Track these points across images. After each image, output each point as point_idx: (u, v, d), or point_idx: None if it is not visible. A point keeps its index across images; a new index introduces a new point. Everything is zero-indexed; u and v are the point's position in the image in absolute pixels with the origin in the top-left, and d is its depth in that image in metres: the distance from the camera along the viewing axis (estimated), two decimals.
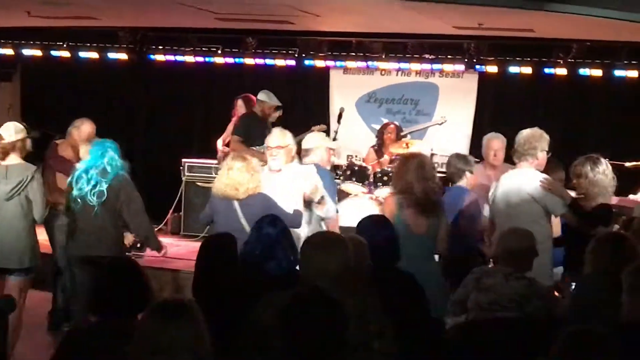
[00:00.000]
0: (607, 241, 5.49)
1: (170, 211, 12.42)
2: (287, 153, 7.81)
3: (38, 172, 7.89)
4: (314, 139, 8.48)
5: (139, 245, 9.98)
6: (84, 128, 9.00)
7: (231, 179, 7.25)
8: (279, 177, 7.71)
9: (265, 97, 11.22)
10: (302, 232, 7.34)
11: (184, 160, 12.73)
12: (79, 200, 7.73)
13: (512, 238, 5.82)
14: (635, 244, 5.41)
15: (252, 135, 10.59)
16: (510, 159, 8.83)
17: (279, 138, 7.85)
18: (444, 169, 12.31)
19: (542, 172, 7.33)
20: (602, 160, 7.41)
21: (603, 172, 7.32)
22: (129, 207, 7.80)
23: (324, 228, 7.76)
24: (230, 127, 12.20)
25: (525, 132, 7.33)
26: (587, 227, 6.92)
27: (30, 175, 7.73)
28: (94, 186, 7.66)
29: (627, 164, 10.47)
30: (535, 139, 7.25)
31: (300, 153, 8.35)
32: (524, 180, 7.18)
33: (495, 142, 9.02)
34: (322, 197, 7.68)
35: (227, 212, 7.28)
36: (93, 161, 7.78)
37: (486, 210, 7.61)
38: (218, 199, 7.37)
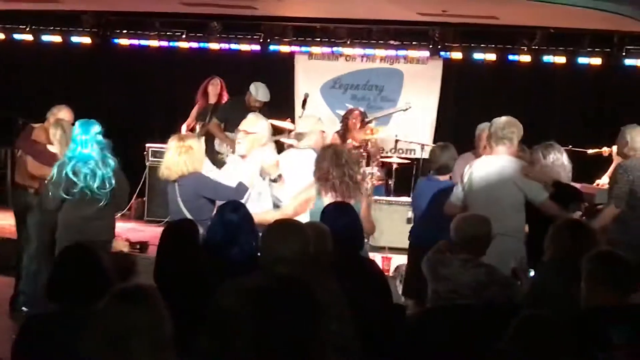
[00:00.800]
0: (565, 228, 5.51)
1: (134, 196, 12.35)
2: (254, 140, 7.77)
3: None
4: (307, 123, 8.38)
5: (137, 246, 10.04)
6: (61, 115, 8.93)
7: (166, 160, 7.33)
8: (242, 164, 7.69)
9: (252, 90, 11.19)
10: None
11: (147, 145, 12.67)
12: (86, 191, 7.51)
13: (469, 224, 5.79)
14: (594, 230, 5.44)
15: (231, 121, 10.56)
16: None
17: (247, 123, 7.83)
18: (408, 155, 12.53)
19: None
20: (556, 146, 7.43)
21: (556, 159, 7.35)
22: (121, 188, 7.79)
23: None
24: (194, 112, 12.19)
25: (503, 118, 7.20)
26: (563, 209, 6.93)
27: None
28: (102, 180, 7.52)
29: (590, 151, 10.56)
30: (514, 125, 7.16)
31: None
32: (505, 166, 7.06)
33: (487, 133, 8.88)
34: (280, 176, 7.57)
35: (170, 193, 7.35)
36: (89, 151, 7.54)
37: (454, 195, 7.46)
38: (164, 180, 7.44)
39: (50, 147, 8.51)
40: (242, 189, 7.30)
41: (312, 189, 7.12)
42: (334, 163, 6.97)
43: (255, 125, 7.80)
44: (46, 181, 7.75)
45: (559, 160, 7.35)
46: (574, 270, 4.72)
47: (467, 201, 7.23)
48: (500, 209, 6.78)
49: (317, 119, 8.53)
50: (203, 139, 10.93)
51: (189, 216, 6.97)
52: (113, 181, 7.57)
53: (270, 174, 7.55)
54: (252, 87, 11.23)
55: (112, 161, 7.63)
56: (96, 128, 7.64)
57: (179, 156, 7.24)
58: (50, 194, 7.60)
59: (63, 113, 8.94)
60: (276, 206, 7.62)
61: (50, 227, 8.04)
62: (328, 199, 6.91)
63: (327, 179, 6.96)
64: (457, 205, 7.25)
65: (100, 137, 7.62)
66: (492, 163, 7.15)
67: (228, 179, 7.53)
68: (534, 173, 7.12)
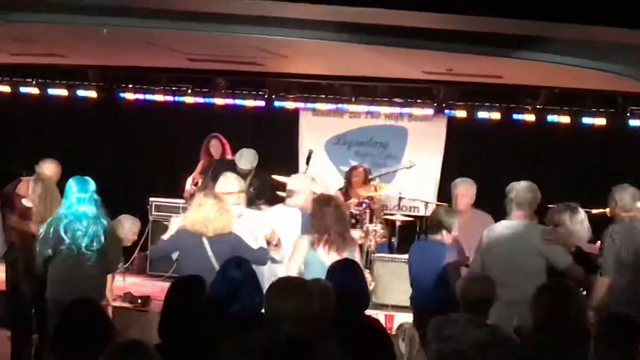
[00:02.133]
0: (547, 292, 5.41)
1: (137, 250, 12.30)
2: (243, 197, 7.84)
3: None
4: (300, 182, 8.41)
5: (139, 301, 10.03)
6: (44, 169, 8.91)
7: (201, 215, 7.25)
8: (241, 221, 7.70)
9: (236, 157, 11.14)
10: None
11: (151, 199, 12.65)
12: (73, 248, 7.48)
13: (476, 286, 5.76)
14: (578, 293, 5.36)
15: None
16: (480, 204, 8.89)
17: (238, 183, 7.86)
18: (412, 213, 12.51)
19: None
20: (580, 209, 7.42)
21: (581, 221, 7.33)
22: (112, 248, 7.75)
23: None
24: (199, 167, 12.20)
25: (522, 183, 7.19)
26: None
27: None
28: (91, 238, 7.49)
29: (594, 211, 10.51)
30: (535, 190, 7.16)
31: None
32: (526, 232, 7.01)
33: (460, 188, 8.95)
34: (279, 240, 7.69)
35: (195, 248, 7.26)
36: (85, 209, 7.54)
37: (473, 263, 7.37)
38: (186, 234, 7.35)
39: (24, 202, 8.51)
40: (265, 253, 7.44)
41: (302, 243, 7.28)
42: (335, 219, 7.20)
43: (238, 183, 7.93)
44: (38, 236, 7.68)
45: (584, 221, 7.33)
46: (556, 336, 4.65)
47: (486, 266, 7.12)
48: (521, 275, 6.76)
49: (310, 179, 8.58)
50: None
51: None
52: (102, 240, 7.52)
53: (272, 241, 7.73)
54: (237, 155, 11.19)
55: (104, 220, 7.61)
56: (92, 186, 7.65)
57: (220, 215, 7.24)
58: (38, 249, 7.58)
59: (46, 167, 8.92)
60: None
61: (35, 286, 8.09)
62: (321, 250, 7.13)
63: (327, 233, 7.16)
64: (476, 270, 7.15)
65: (96, 196, 7.63)
66: (512, 228, 7.10)
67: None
68: (557, 237, 7.07)
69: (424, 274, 7.77)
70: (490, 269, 7.00)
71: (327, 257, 7.16)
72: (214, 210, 7.23)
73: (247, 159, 10.83)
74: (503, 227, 7.20)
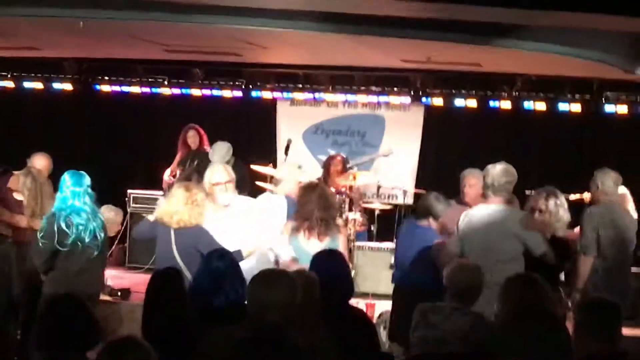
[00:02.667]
0: (517, 282, 5.45)
1: (115, 242, 12.28)
2: (232, 186, 7.84)
3: None
4: (287, 170, 8.45)
5: (119, 293, 9.94)
6: (35, 163, 8.90)
7: (169, 206, 7.34)
8: (229, 210, 7.70)
9: (210, 153, 11.11)
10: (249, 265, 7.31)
11: (129, 191, 12.63)
12: (78, 242, 7.45)
13: (464, 274, 5.79)
14: (545, 285, 5.40)
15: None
16: (458, 192, 8.91)
17: (224, 173, 7.85)
18: (391, 201, 12.54)
19: None
20: (560, 193, 7.46)
21: (561, 205, 7.37)
22: (106, 244, 7.81)
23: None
24: (177, 159, 12.18)
25: (498, 167, 7.19)
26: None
27: None
28: (93, 233, 7.49)
29: (571, 197, 10.58)
30: (511, 174, 7.17)
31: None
32: (504, 216, 7.05)
33: (469, 178, 8.87)
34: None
35: (163, 238, 7.35)
36: (80, 204, 7.50)
37: (450, 243, 7.42)
38: (158, 224, 7.43)
39: (15, 195, 8.46)
40: (237, 256, 7.27)
41: (286, 228, 7.41)
42: (319, 206, 7.26)
43: (229, 173, 7.88)
44: (38, 233, 7.60)
45: (563, 204, 7.38)
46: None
47: (464, 250, 7.18)
48: (498, 259, 6.79)
49: (297, 167, 8.61)
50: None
51: (182, 265, 7.04)
52: (103, 234, 7.56)
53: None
54: (210, 149, 11.21)
55: (101, 215, 7.62)
56: (87, 180, 7.63)
57: (184, 206, 7.29)
58: (40, 245, 7.49)
59: (37, 161, 8.91)
60: None
61: (26, 280, 8.06)
62: (302, 236, 7.25)
63: (309, 219, 7.25)
64: (454, 252, 7.22)
65: (91, 190, 7.62)
66: (490, 213, 7.12)
67: (227, 233, 7.55)
68: (535, 224, 7.11)
69: (411, 257, 7.84)
70: (469, 253, 7.06)
71: (307, 242, 7.27)
72: (182, 203, 7.29)
73: (218, 153, 10.83)
74: (481, 212, 7.21)
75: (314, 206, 7.25)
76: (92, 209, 7.55)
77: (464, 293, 5.63)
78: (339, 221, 7.69)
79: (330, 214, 7.34)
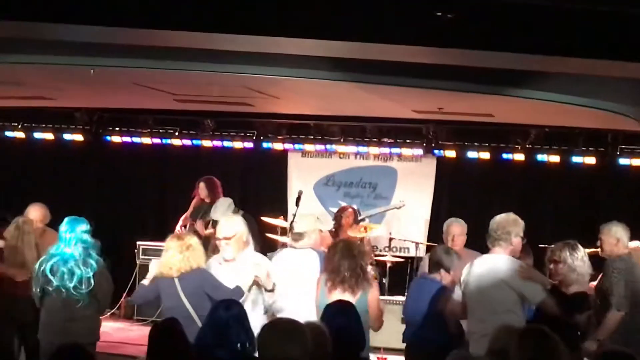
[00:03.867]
0: (529, 337, 5.33)
1: (124, 295, 12.17)
2: (237, 242, 7.65)
3: None
4: (306, 223, 8.24)
5: None
6: (30, 213, 8.90)
7: (166, 259, 7.29)
8: (232, 266, 7.58)
9: (212, 211, 11.06)
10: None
11: (138, 242, 12.56)
12: (62, 290, 7.36)
13: (505, 336, 5.65)
14: (558, 340, 5.27)
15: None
16: (471, 244, 8.84)
17: (224, 230, 7.74)
18: (402, 254, 12.41)
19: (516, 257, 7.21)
20: (580, 246, 7.34)
21: (581, 258, 7.25)
22: (102, 289, 7.58)
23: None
24: (190, 209, 12.08)
25: (498, 217, 7.15)
26: (565, 314, 6.80)
27: None
28: (80, 280, 7.37)
29: (587, 251, 10.45)
30: (510, 224, 7.07)
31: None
32: (498, 266, 6.97)
33: (454, 227, 8.97)
34: (274, 285, 7.48)
35: (168, 291, 7.25)
36: (71, 251, 7.41)
37: (457, 293, 7.40)
38: (160, 278, 7.36)
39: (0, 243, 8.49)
40: (238, 291, 7.21)
41: (320, 283, 7.24)
42: (345, 255, 7.11)
43: (232, 228, 7.71)
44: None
45: (582, 257, 7.25)
46: None
47: (464, 300, 7.17)
48: (490, 309, 6.73)
49: (315, 217, 8.47)
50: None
51: (191, 310, 6.98)
52: (92, 282, 7.39)
53: (266, 285, 7.44)
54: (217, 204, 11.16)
55: (94, 262, 7.47)
56: (83, 227, 7.54)
57: (180, 254, 7.23)
58: (33, 289, 7.51)
59: (31, 210, 8.98)
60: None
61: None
62: (336, 294, 7.00)
63: (338, 272, 7.07)
64: (459, 303, 7.19)
65: (86, 236, 7.51)
66: (487, 263, 7.09)
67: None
68: (532, 274, 7.00)
69: (419, 312, 7.70)
70: (467, 303, 7.08)
71: (341, 297, 6.99)
72: (177, 252, 7.25)
73: (220, 209, 10.77)
74: (479, 262, 7.19)
75: (339, 258, 7.11)
76: (83, 256, 7.44)
77: (500, 356, 5.49)
78: (370, 272, 7.55)
79: (358, 263, 7.13)
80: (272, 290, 7.47)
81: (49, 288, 7.36)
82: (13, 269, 8.33)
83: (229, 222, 7.93)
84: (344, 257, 7.10)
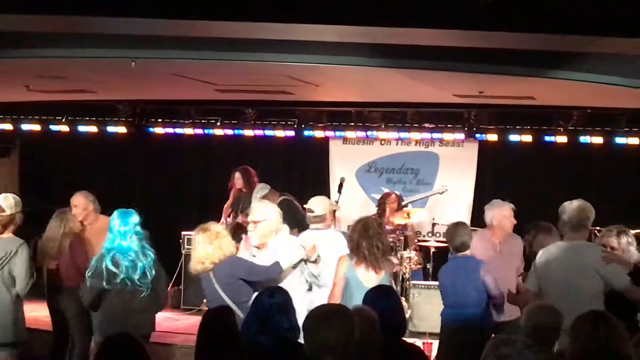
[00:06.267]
0: (588, 319, 5.30)
1: (170, 284, 12.26)
2: (264, 228, 7.66)
3: (24, 245, 7.84)
4: (324, 206, 8.28)
5: None
6: (73, 200, 9.05)
7: (197, 254, 7.35)
8: (264, 253, 7.62)
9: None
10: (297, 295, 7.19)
11: (183, 233, 12.63)
12: (127, 282, 7.44)
13: (542, 314, 5.68)
14: (619, 323, 5.23)
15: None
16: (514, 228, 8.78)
17: (253, 213, 7.81)
18: (444, 238, 12.37)
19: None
20: (629, 231, 7.28)
21: (631, 243, 7.18)
22: (160, 281, 7.70)
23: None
24: (230, 199, 12.13)
25: (575, 204, 7.01)
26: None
27: (14, 249, 7.71)
28: (142, 271, 7.46)
29: (632, 232, 10.37)
30: (587, 210, 6.98)
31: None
32: (585, 253, 6.87)
33: (509, 210, 8.77)
34: (319, 257, 7.64)
35: (206, 283, 7.32)
36: (127, 243, 7.50)
37: (528, 281, 7.29)
38: (202, 277, 7.43)
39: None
40: (275, 268, 7.32)
41: (343, 264, 7.34)
42: (362, 235, 7.30)
43: (261, 213, 7.73)
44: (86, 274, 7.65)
45: (633, 243, 7.20)
46: None
47: (542, 288, 7.01)
48: (579, 298, 6.57)
49: (329, 200, 8.61)
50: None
51: (228, 300, 6.99)
52: (153, 271, 7.51)
53: (310, 256, 7.63)
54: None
55: (151, 252, 7.58)
56: (135, 218, 7.61)
57: (210, 244, 7.27)
58: (88, 284, 7.53)
59: (75, 199, 9.12)
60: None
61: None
62: (361, 269, 7.25)
63: (358, 251, 7.27)
64: (531, 291, 7.08)
65: (138, 228, 7.59)
66: (570, 250, 6.94)
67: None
68: (616, 258, 6.92)
69: (458, 289, 7.86)
70: (547, 292, 6.92)
71: (365, 275, 7.27)
72: (207, 244, 7.29)
73: (254, 195, 10.99)
74: (560, 249, 7.02)
75: (358, 237, 7.31)
76: (140, 247, 7.51)
77: (539, 333, 5.49)
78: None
79: (374, 243, 7.30)
80: (315, 262, 7.54)
81: (115, 280, 7.41)
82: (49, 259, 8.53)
83: (260, 206, 8.01)
84: (361, 237, 7.28)
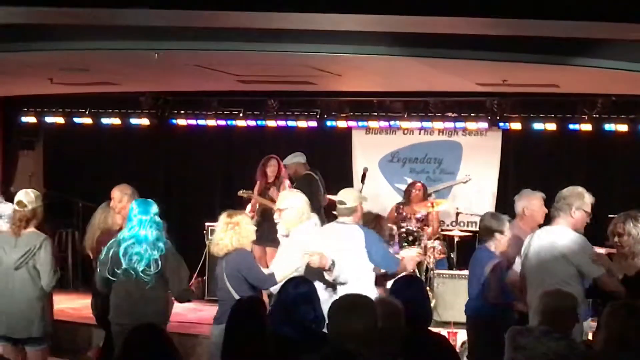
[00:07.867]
0: (621, 309, 5.29)
1: (195, 275, 12.29)
2: (289, 216, 7.58)
3: (47, 240, 7.84)
4: (354, 197, 7.97)
5: None
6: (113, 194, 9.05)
7: (215, 236, 7.38)
8: (287, 241, 7.60)
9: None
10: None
11: (207, 224, 12.64)
12: (131, 271, 7.38)
13: (552, 298, 5.67)
14: None
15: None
16: None
17: (279, 201, 7.79)
18: (470, 228, 12.36)
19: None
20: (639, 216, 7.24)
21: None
22: (178, 274, 7.57)
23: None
24: (256, 191, 11.99)
25: (566, 188, 7.17)
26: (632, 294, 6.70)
27: (39, 244, 7.71)
28: (148, 262, 7.38)
29: None
30: (572, 196, 7.06)
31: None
32: (557, 238, 6.97)
33: (539, 199, 8.67)
34: (333, 262, 7.28)
35: (217, 269, 7.34)
36: (145, 233, 7.43)
37: (518, 264, 7.46)
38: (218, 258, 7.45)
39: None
40: (270, 280, 7.22)
41: None
42: None
43: (287, 201, 7.66)
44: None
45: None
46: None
47: (523, 271, 7.22)
48: (550, 281, 6.69)
49: (359, 192, 8.56)
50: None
51: (232, 291, 7.02)
52: (159, 263, 7.39)
53: (325, 266, 7.25)
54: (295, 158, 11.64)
55: (162, 244, 7.46)
56: (155, 208, 7.59)
57: (225, 232, 7.24)
58: (98, 271, 7.61)
59: (112, 191, 8.98)
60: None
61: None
62: None
63: None
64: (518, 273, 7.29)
65: (158, 218, 7.57)
66: (547, 234, 7.10)
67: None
68: (604, 261, 6.95)
69: (471, 282, 7.95)
70: (526, 274, 7.14)
71: None
72: (223, 230, 7.26)
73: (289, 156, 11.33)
74: (539, 233, 7.21)
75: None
76: (155, 237, 7.46)
77: (552, 317, 5.48)
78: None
79: None
80: (330, 270, 7.27)
81: (117, 271, 7.39)
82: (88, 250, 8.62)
83: (286, 194, 8.01)
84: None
